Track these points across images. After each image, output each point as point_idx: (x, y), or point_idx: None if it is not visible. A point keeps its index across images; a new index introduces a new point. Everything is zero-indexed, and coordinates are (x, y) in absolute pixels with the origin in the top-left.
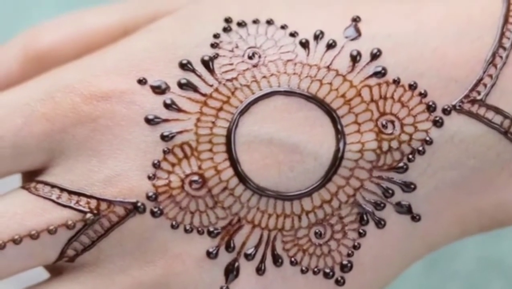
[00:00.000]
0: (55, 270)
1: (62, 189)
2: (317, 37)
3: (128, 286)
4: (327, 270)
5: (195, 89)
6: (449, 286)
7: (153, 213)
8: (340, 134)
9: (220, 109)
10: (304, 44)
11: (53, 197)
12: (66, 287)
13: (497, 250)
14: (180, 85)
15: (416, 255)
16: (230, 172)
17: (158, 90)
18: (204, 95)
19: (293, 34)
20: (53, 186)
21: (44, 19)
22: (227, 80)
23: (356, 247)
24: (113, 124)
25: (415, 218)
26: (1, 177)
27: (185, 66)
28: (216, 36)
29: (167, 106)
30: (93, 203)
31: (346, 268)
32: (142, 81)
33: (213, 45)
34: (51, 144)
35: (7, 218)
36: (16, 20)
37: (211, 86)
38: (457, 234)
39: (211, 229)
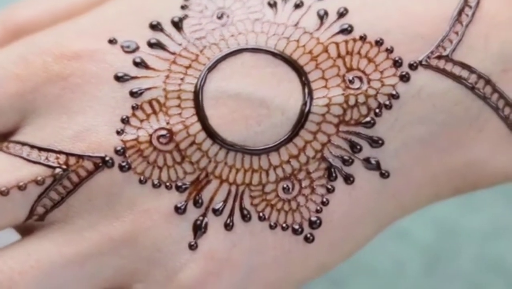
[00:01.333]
0: (26, 231)
1: (32, 146)
2: None
3: (97, 242)
4: (296, 226)
5: (164, 48)
6: (449, 286)
7: (121, 168)
8: (307, 88)
9: (189, 66)
10: (272, 4)
11: (24, 154)
12: (36, 245)
13: (497, 249)
14: (150, 45)
15: (389, 216)
16: (197, 126)
17: (128, 49)
18: (173, 53)
19: None
20: (23, 144)
21: None
22: (196, 39)
23: (324, 203)
24: (83, 82)
25: (384, 174)
26: None
27: (155, 27)
28: None
29: (136, 64)
30: (62, 158)
31: (315, 224)
32: (112, 41)
33: (183, 7)
34: (23, 104)
35: None
36: None
37: (180, 45)
38: (430, 196)
39: (179, 184)
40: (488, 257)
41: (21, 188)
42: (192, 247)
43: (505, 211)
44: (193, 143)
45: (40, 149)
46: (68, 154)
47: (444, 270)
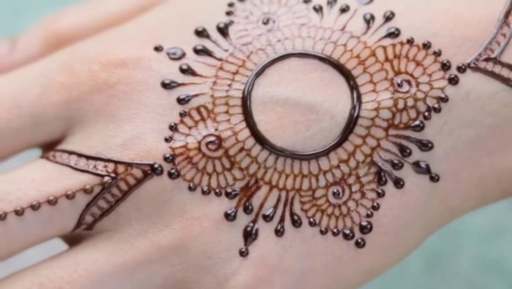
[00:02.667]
0: (74, 241)
1: (80, 155)
2: (330, 2)
3: (146, 250)
4: (347, 231)
5: (210, 54)
6: (449, 286)
7: (170, 175)
8: (355, 92)
9: (236, 72)
10: (317, 9)
11: (71, 163)
12: (85, 254)
13: (497, 250)
14: (196, 51)
15: (437, 220)
16: (246, 132)
17: (174, 56)
18: (219, 59)
19: (306, 1)
20: (71, 152)
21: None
22: (242, 44)
23: (375, 208)
24: (130, 89)
25: (434, 178)
26: (22, 150)
27: (200, 33)
28: (230, 4)
29: (183, 71)
30: (111, 166)
31: (365, 229)
32: (158, 48)
33: (228, 13)
34: (69, 112)
35: (25, 184)
36: (15, 20)
37: (226, 51)
38: (478, 199)
39: (229, 190)
40: (488, 257)
41: (69, 197)
42: (243, 253)
43: (505, 211)
44: (242, 149)
45: (88, 157)
46: (116, 162)
47: (445, 270)
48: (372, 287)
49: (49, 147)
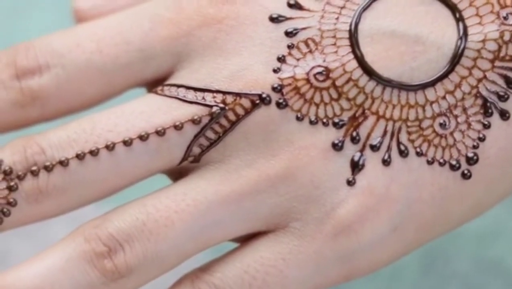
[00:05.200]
0: (179, 176)
1: (188, 88)
2: None
3: (254, 180)
4: (453, 162)
5: None
6: (447, 287)
7: (278, 105)
8: (461, 24)
9: (343, 7)
10: None
11: (180, 95)
12: (192, 184)
13: (495, 250)
14: None
15: None
16: (354, 63)
17: None
18: None
19: None
20: (179, 86)
21: (43, 20)
22: None
23: (481, 139)
24: (238, 24)
25: None
26: (130, 87)
27: None
28: None
29: (290, 5)
30: (219, 97)
31: (472, 160)
32: None
33: None
34: (177, 47)
35: (134, 116)
36: (16, 20)
37: None
38: None
39: (336, 120)
40: (486, 258)
41: (178, 127)
42: (350, 183)
43: (503, 212)
44: (349, 80)
45: (196, 89)
46: (225, 93)
47: (442, 271)
48: (371, 288)
49: (156, 85)
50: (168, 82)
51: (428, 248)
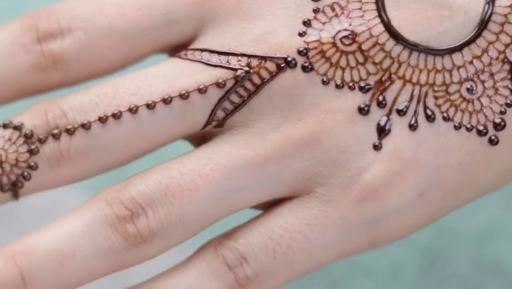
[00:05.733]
0: (203, 142)
1: (212, 51)
2: None
3: (279, 144)
4: (481, 127)
5: None
6: (446, 287)
7: (304, 68)
8: None
9: None
10: None
11: (204, 59)
12: (216, 149)
13: (494, 251)
14: None
15: None
16: (380, 27)
17: None
18: None
19: None
20: (203, 50)
21: None
22: None
23: (508, 105)
24: None
25: None
26: (153, 53)
27: None
28: None
29: None
30: (244, 60)
31: (499, 126)
32: None
33: None
34: (201, 12)
35: (157, 79)
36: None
37: None
38: None
39: (362, 84)
40: (485, 258)
41: (202, 91)
42: (377, 147)
43: (502, 212)
44: (376, 43)
45: (221, 53)
46: (250, 56)
47: (442, 271)
48: (370, 287)
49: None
50: (191, 46)
51: (427, 248)
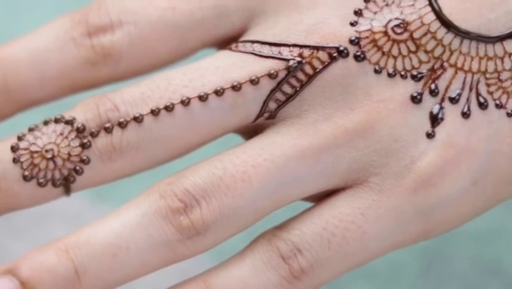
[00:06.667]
0: (255, 134)
1: (263, 43)
2: None
3: (332, 134)
4: None
5: None
6: (445, 287)
7: (356, 57)
8: None
9: None
10: None
11: (255, 51)
12: (268, 140)
13: (493, 251)
14: None
15: None
16: (431, 16)
17: None
18: None
19: None
20: (254, 42)
21: (44, 20)
22: None
23: None
24: None
25: None
26: (203, 46)
27: None
28: None
29: None
30: (296, 50)
31: None
32: None
33: None
34: (251, 4)
35: (209, 71)
36: (15, 20)
37: None
38: None
39: (415, 73)
40: (484, 258)
41: (254, 82)
42: (430, 135)
43: (501, 212)
44: (427, 32)
45: (272, 44)
46: (302, 46)
47: (441, 272)
48: (369, 288)
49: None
50: (242, 39)
51: (427, 248)
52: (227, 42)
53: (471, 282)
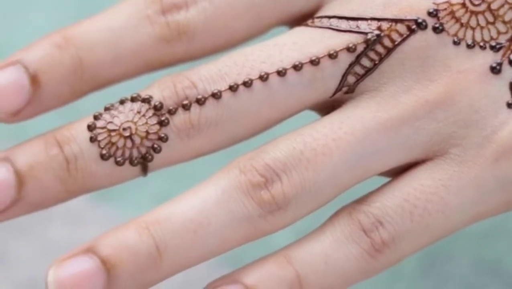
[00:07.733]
0: (332, 110)
1: (341, 17)
2: None
3: (412, 106)
4: None
5: None
6: (445, 287)
7: (435, 29)
8: None
9: None
10: None
11: (332, 25)
12: (348, 113)
13: (493, 251)
14: None
15: None
16: None
17: None
18: None
19: None
20: (330, 17)
21: (43, 20)
22: None
23: None
24: None
25: None
26: (276, 24)
27: None
28: None
29: None
30: (374, 24)
31: None
32: None
33: None
34: None
35: (287, 47)
36: (15, 21)
37: None
38: None
39: (493, 44)
40: (484, 258)
41: (332, 56)
42: (511, 105)
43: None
44: (505, 2)
45: (349, 18)
46: (380, 19)
47: (441, 271)
48: (369, 288)
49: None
50: (318, 14)
51: (426, 249)
52: (300, 19)
53: (471, 282)
